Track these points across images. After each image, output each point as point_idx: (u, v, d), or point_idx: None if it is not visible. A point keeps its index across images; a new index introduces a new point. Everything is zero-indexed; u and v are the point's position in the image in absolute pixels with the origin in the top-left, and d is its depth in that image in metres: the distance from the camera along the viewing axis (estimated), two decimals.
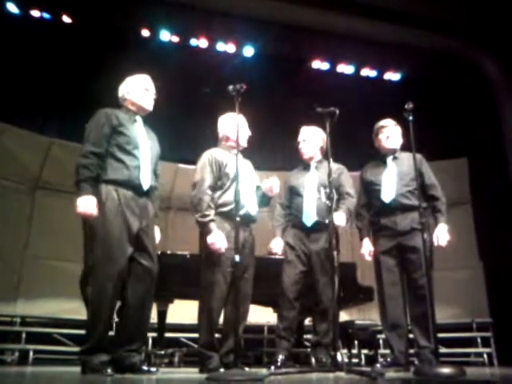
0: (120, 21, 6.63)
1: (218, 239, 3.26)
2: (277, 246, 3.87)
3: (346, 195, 3.91)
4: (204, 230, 3.34)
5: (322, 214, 3.78)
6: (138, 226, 3.02)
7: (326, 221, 3.69)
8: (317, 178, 3.94)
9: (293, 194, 3.99)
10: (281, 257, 3.96)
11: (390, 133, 3.91)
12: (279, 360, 3.64)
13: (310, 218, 3.83)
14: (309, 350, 4.44)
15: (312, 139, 4.05)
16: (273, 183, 3.57)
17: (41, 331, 6.10)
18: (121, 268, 2.91)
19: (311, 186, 3.92)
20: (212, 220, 3.32)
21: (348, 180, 4.00)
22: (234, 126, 3.41)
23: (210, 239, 3.27)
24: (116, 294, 2.92)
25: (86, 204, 2.86)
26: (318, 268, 3.77)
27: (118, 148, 3.05)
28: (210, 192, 3.39)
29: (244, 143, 3.63)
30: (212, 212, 3.35)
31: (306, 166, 4.09)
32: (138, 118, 3.25)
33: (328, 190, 3.21)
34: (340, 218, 3.72)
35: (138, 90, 3.27)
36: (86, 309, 2.95)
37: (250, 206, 3.48)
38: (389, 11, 6.50)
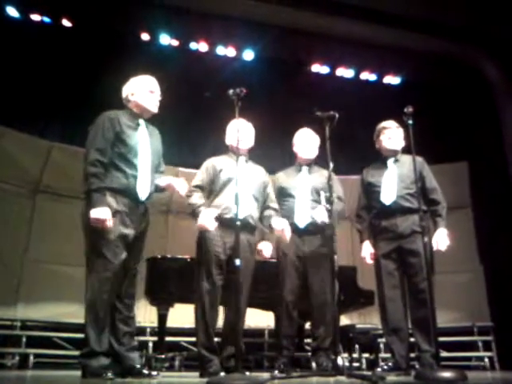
0: (120, 24, 6.64)
1: (206, 220, 3.29)
2: (266, 249, 3.72)
3: (336, 199, 3.90)
4: (195, 216, 3.38)
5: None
6: (134, 233, 3.06)
7: (320, 221, 3.71)
8: (309, 181, 3.95)
9: (283, 195, 3.96)
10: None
11: (391, 134, 3.91)
12: (280, 364, 3.64)
13: (302, 219, 3.82)
14: (309, 354, 4.43)
15: (315, 143, 4.06)
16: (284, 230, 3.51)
17: (41, 335, 6.09)
18: (116, 271, 2.93)
19: (304, 188, 3.91)
20: (201, 205, 3.38)
21: (338, 185, 3.99)
22: (235, 132, 3.51)
23: (198, 222, 3.33)
24: (112, 296, 2.95)
25: (101, 216, 2.86)
26: (314, 272, 3.77)
27: (118, 156, 3.05)
28: (198, 189, 3.51)
29: (245, 146, 3.65)
30: (201, 201, 3.42)
31: (298, 168, 4.08)
32: (142, 122, 3.24)
33: (328, 194, 3.20)
34: (320, 213, 3.66)
35: (143, 91, 3.25)
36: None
37: (244, 210, 3.41)
38: (388, 15, 6.51)
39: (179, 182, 3.26)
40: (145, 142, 3.18)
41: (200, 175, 3.59)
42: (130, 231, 3.01)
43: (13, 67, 6.25)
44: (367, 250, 3.86)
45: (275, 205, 3.75)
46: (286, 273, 3.77)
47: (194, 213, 3.40)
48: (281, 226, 3.49)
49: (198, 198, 3.45)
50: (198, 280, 3.41)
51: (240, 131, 3.54)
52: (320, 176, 3.99)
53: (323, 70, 7.43)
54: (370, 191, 3.93)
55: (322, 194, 3.74)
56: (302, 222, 3.81)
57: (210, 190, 3.57)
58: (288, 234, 3.50)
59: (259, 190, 3.67)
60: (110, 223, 2.88)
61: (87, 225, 2.94)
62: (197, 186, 3.53)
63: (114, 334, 2.99)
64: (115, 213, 2.96)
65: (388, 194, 3.75)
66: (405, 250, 3.67)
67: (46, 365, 5.82)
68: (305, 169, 4.04)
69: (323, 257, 3.76)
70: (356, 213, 4.05)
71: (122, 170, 3.04)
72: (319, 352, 3.71)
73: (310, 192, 3.90)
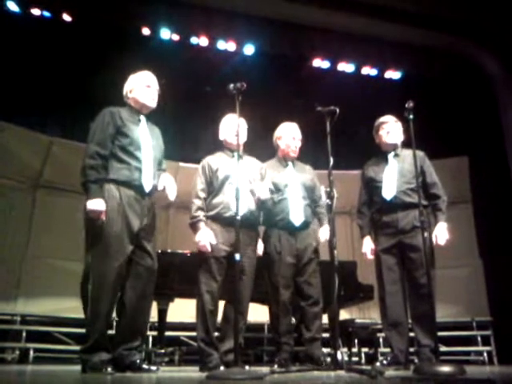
0: (120, 19, 6.61)
1: (204, 237, 3.38)
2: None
3: (319, 198, 3.94)
4: (193, 230, 3.47)
5: (306, 213, 3.84)
6: (139, 225, 3.05)
7: (325, 221, 3.80)
8: (298, 178, 3.93)
9: (274, 190, 3.86)
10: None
11: (390, 129, 3.91)
12: (281, 359, 3.64)
13: (298, 217, 3.79)
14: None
15: (300, 138, 4.05)
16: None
17: (41, 330, 6.10)
18: (120, 266, 2.93)
19: (295, 185, 3.88)
20: (200, 220, 3.44)
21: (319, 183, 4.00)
22: (231, 128, 3.59)
23: (197, 237, 3.41)
24: (115, 291, 2.94)
25: (96, 207, 2.88)
26: (306, 265, 3.78)
27: (120, 149, 3.07)
28: (201, 195, 3.53)
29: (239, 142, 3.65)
30: (201, 213, 3.47)
31: (283, 163, 4.02)
32: (142, 118, 3.26)
33: (329, 189, 3.20)
34: (325, 233, 3.76)
35: (140, 87, 3.28)
36: (83, 308, 2.97)
37: (243, 207, 3.38)
38: (389, 9, 6.49)
39: (171, 187, 3.25)
40: (146, 137, 3.20)
41: (199, 178, 3.60)
42: (134, 223, 3.01)
43: (13, 62, 6.24)
44: (368, 245, 3.86)
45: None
46: (281, 271, 3.73)
47: (192, 224, 3.47)
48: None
49: (197, 208, 3.48)
50: (198, 276, 3.44)
51: (233, 127, 3.57)
52: (305, 171, 4.04)
53: (324, 64, 7.40)
54: (371, 186, 3.92)
55: (323, 190, 3.73)
56: (297, 221, 3.79)
57: (209, 190, 3.58)
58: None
59: (255, 184, 3.65)
60: (103, 215, 2.89)
61: (88, 218, 2.95)
62: (201, 190, 3.54)
63: (118, 331, 3.00)
64: (119, 205, 2.96)
65: (389, 190, 3.75)
66: (405, 244, 3.67)
67: (45, 359, 5.83)
68: (290, 163, 4.01)
69: (315, 251, 3.83)
70: (357, 209, 4.05)
71: (125, 161, 3.05)
72: (315, 342, 3.70)
73: (301, 189, 3.89)
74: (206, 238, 3.38)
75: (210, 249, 3.38)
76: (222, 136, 3.76)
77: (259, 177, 3.71)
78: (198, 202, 3.50)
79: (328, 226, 3.74)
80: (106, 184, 3.00)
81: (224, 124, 3.75)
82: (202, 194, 3.54)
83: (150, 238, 3.14)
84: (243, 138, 3.71)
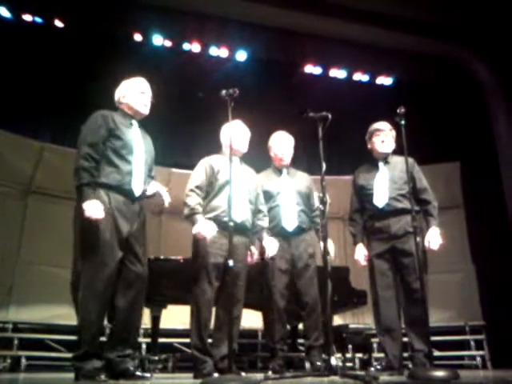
0: (112, 25, 6.60)
1: (204, 228, 3.31)
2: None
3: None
4: (191, 222, 3.39)
5: (300, 219, 3.88)
6: (128, 230, 3.01)
7: (318, 226, 3.77)
8: (292, 184, 3.98)
9: (266, 198, 3.92)
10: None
11: (384, 137, 3.91)
12: (275, 365, 3.64)
13: (291, 223, 3.84)
14: (303, 354, 4.44)
15: (292, 147, 4.09)
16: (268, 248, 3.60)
17: (33, 337, 6.05)
18: (111, 272, 2.90)
19: (288, 192, 3.94)
20: (198, 212, 3.38)
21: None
22: (237, 134, 3.60)
23: (195, 229, 3.33)
24: (106, 297, 2.91)
25: (93, 209, 2.84)
26: (302, 272, 3.80)
27: (112, 152, 3.04)
28: (198, 191, 3.48)
29: (242, 149, 3.68)
30: (199, 207, 3.41)
31: (277, 171, 4.09)
32: (134, 122, 3.25)
33: (321, 195, 3.21)
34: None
35: (134, 93, 3.27)
36: (76, 313, 2.94)
37: (239, 213, 3.46)
38: (381, 16, 6.53)
39: (164, 192, 3.25)
40: (139, 140, 3.18)
41: (199, 175, 3.56)
42: (124, 229, 2.98)
43: (4, 68, 6.21)
44: (361, 252, 3.86)
45: (264, 208, 3.78)
46: (275, 277, 3.76)
47: (189, 216, 3.40)
48: (271, 249, 3.59)
49: (195, 202, 3.42)
50: (195, 282, 3.40)
51: (239, 133, 3.58)
52: (300, 179, 4.09)
53: (316, 70, 7.43)
54: (363, 194, 3.93)
55: (316, 195, 3.76)
56: (290, 226, 3.84)
57: (207, 190, 3.55)
58: (272, 253, 3.60)
59: (253, 194, 3.69)
60: (101, 215, 2.85)
61: (80, 223, 2.91)
62: (197, 187, 3.49)
63: (109, 339, 2.98)
64: (108, 210, 2.93)
65: (380, 197, 3.76)
66: (398, 250, 3.67)
67: (38, 367, 5.78)
68: (285, 171, 4.07)
69: (310, 257, 3.85)
70: (349, 216, 4.06)
71: (115, 165, 3.02)
72: (313, 351, 3.72)
73: (294, 195, 3.93)
74: (207, 228, 3.31)
75: (209, 236, 3.30)
76: (224, 140, 3.74)
77: (255, 186, 3.74)
78: (194, 195, 3.44)
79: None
80: (96, 188, 2.96)
81: (229, 129, 3.72)
82: (199, 191, 3.48)
83: (141, 243, 3.10)
84: (246, 147, 3.75)
